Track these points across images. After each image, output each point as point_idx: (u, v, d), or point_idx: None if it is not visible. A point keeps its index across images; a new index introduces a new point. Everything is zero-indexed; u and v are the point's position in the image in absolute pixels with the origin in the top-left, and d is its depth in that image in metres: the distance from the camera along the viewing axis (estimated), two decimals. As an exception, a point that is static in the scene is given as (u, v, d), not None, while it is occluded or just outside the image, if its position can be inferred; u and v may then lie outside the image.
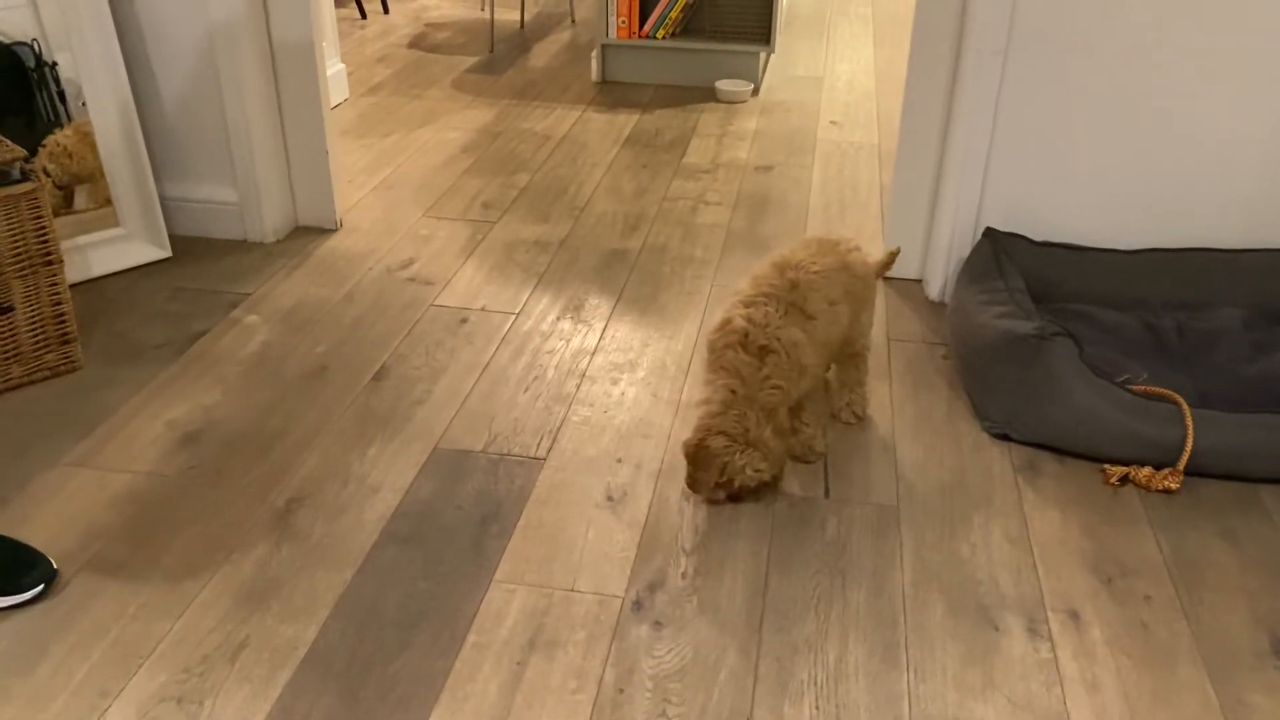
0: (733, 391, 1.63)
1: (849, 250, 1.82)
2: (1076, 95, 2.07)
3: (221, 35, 2.33)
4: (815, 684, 1.36)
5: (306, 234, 2.60)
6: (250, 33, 2.37)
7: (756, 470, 1.62)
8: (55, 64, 2.25)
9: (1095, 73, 2.04)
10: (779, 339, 1.64)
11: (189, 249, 2.49)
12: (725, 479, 1.63)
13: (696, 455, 1.63)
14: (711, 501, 1.68)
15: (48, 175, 2.26)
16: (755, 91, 3.76)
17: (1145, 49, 2.01)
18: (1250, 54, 1.99)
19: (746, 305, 1.69)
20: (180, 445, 1.79)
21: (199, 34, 2.35)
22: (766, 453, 1.63)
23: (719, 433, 1.62)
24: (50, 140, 2.27)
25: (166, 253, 2.44)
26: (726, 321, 1.68)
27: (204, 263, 2.43)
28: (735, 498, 1.68)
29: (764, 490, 1.69)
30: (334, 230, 2.61)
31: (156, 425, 1.84)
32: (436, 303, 2.28)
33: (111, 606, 1.45)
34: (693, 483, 1.66)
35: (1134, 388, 1.78)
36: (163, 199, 2.47)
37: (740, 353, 1.64)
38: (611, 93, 3.73)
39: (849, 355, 1.87)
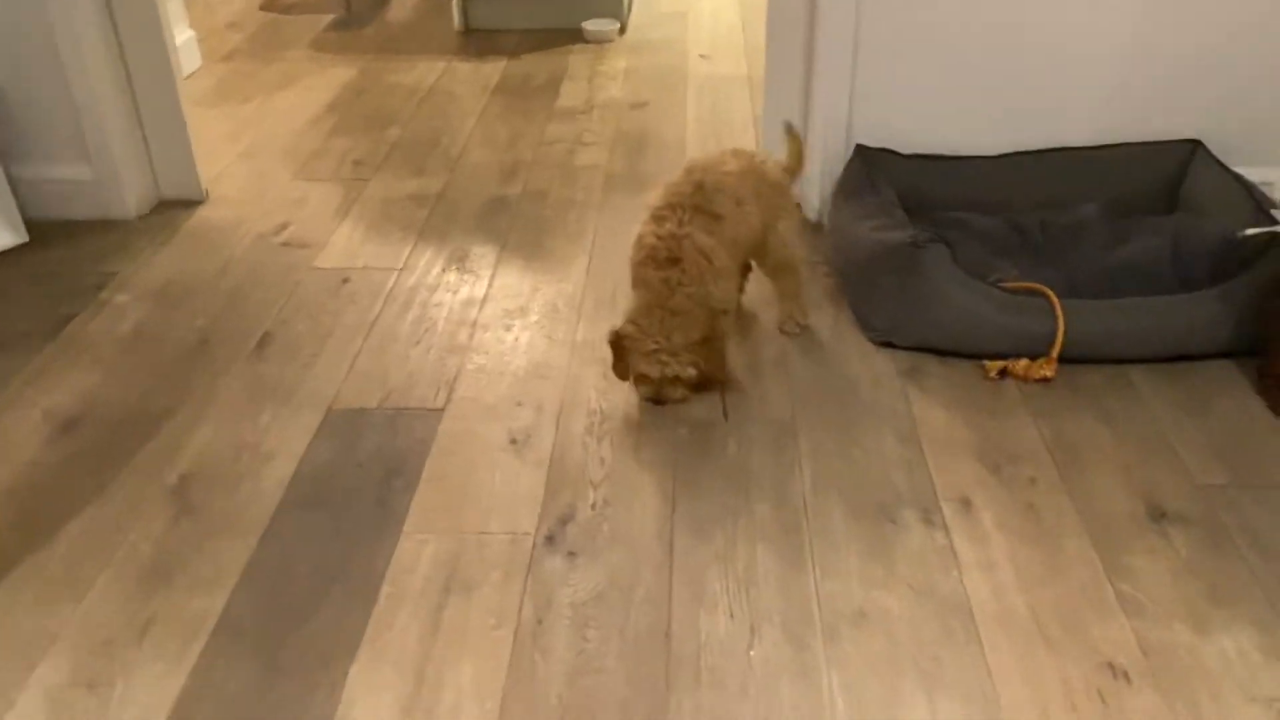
0: (649, 303, 1.71)
1: (762, 160, 1.89)
2: (933, 9, 2.12)
3: (57, 5, 2.21)
4: (728, 593, 1.40)
5: (172, 207, 2.50)
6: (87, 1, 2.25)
7: (678, 367, 1.69)
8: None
9: (948, -16, 2.10)
10: (685, 247, 1.71)
11: (47, 232, 2.37)
12: (644, 374, 1.71)
13: (613, 343, 1.73)
14: (655, 402, 1.75)
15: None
16: (622, 30, 3.74)
17: (993, -43, 2.07)
18: (1090, -44, 2.07)
19: (655, 220, 1.77)
20: (60, 432, 1.72)
21: (32, 5, 2.22)
22: (694, 355, 1.70)
23: (631, 323, 1.70)
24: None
25: (23, 237, 2.32)
26: (639, 239, 1.77)
27: (65, 245, 2.33)
28: (661, 400, 1.75)
29: (707, 388, 1.77)
30: (201, 201, 2.52)
31: (33, 414, 1.77)
32: (315, 265, 2.23)
33: (5, 600, 1.40)
34: (616, 370, 1.76)
35: (1005, 285, 1.85)
36: (14, 181, 2.34)
37: (652, 268, 1.72)
38: (476, 41, 3.67)
39: (776, 266, 1.93)
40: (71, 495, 1.58)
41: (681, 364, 1.70)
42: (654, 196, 1.82)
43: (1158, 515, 1.51)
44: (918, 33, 2.14)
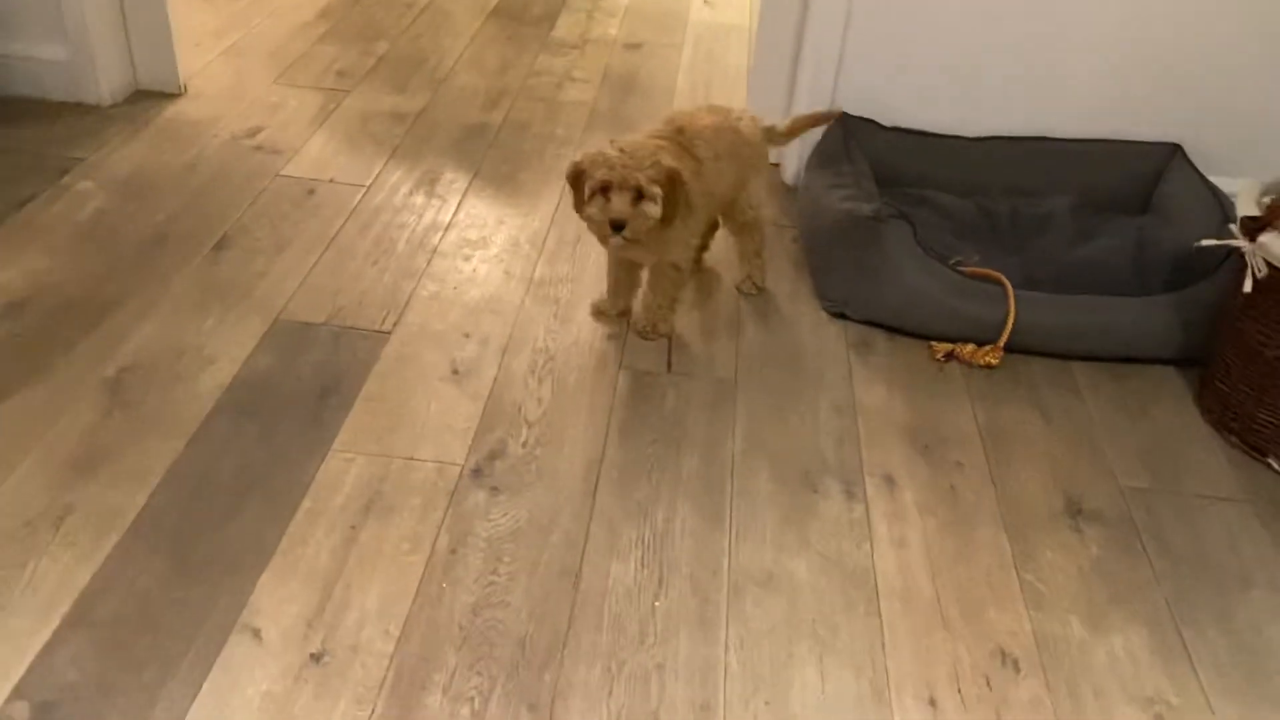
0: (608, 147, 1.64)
1: (739, 117, 1.87)
2: (929, -20, 2.10)
3: (43, -125, 2.16)
4: (643, 543, 1.42)
5: (147, 98, 2.47)
6: (75, -126, 2.20)
7: (640, 178, 1.61)
8: None
9: (948, -42, 2.07)
10: (663, 160, 1.63)
11: (17, 110, 2.34)
12: (600, 183, 1.62)
13: (572, 175, 1.67)
14: (613, 226, 1.63)
15: None
16: (629, -33, 3.67)
17: (996, -64, 2.05)
18: (1093, -54, 2.04)
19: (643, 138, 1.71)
20: (4, 312, 1.72)
21: (17, -127, 2.17)
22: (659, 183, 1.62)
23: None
24: None
25: (-9, 113, 2.29)
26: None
27: (33, 125, 2.30)
28: (616, 224, 1.62)
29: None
30: (178, 95, 2.49)
31: (-22, 293, 1.76)
32: (283, 173, 2.22)
33: (-74, 475, 1.41)
34: (575, 204, 1.69)
35: (964, 269, 1.86)
36: (-15, 54, 2.31)
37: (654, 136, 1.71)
38: (480, -38, 3.60)
39: (743, 225, 1.92)
40: (6, 376, 1.58)
41: (645, 177, 1.60)
42: (638, 134, 1.77)
43: (1074, 511, 1.54)
44: (912, 7, 2.12)
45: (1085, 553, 1.47)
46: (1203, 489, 1.60)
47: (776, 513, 1.49)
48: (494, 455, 1.54)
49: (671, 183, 1.63)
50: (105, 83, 2.39)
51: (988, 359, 1.81)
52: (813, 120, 2.01)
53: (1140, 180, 2.17)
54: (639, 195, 1.61)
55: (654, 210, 1.62)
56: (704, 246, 2.01)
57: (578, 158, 1.67)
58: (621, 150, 1.63)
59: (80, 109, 2.38)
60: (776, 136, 1.96)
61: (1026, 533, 1.50)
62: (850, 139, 2.12)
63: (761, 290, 1.97)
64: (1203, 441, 1.70)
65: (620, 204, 1.61)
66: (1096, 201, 2.14)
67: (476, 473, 1.51)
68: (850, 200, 1.93)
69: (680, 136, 1.76)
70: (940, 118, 2.20)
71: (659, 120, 1.82)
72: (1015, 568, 1.44)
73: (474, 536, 1.40)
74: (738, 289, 1.97)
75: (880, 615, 1.35)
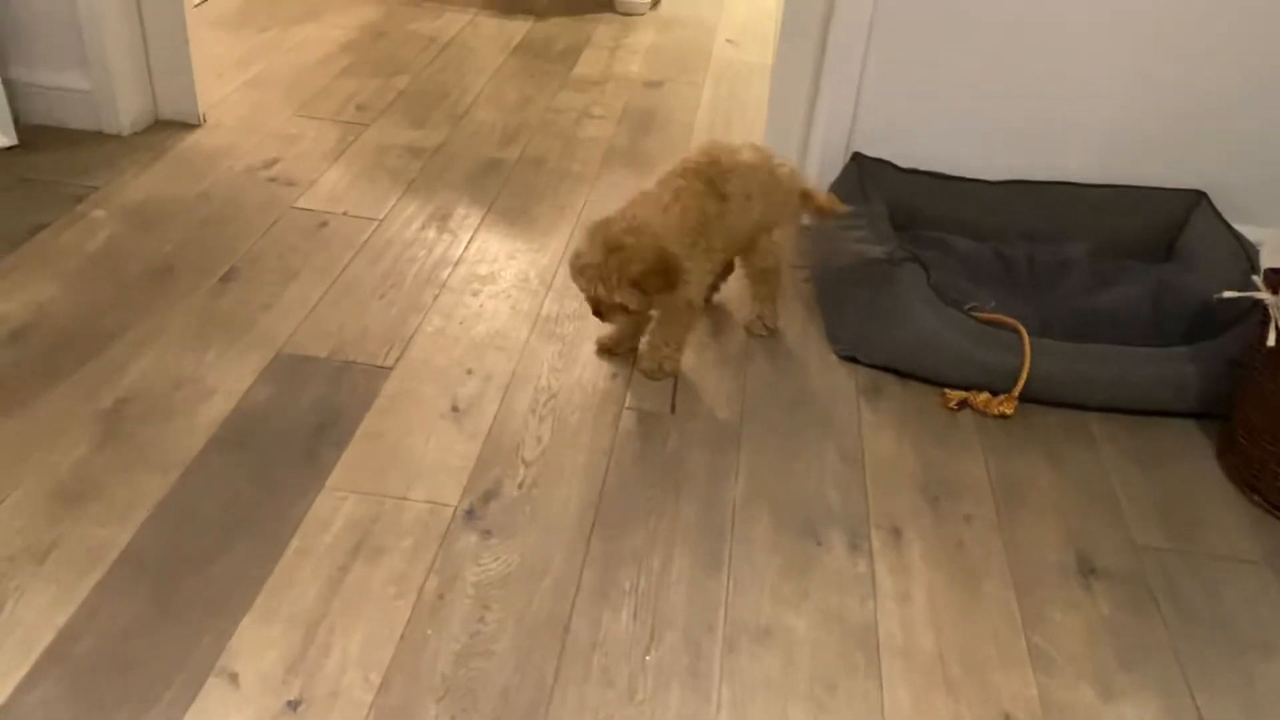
0: (609, 218, 1.68)
1: (780, 163, 1.85)
2: (948, 25, 2.07)
3: (69, -92, 2.19)
4: (636, 592, 1.38)
5: (167, 128, 2.48)
6: (101, -92, 2.22)
7: (604, 291, 1.64)
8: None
9: (967, 5, 2.04)
10: (683, 196, 1.69)
11: (38, 138, 2.36)
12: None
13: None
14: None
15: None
16: (655, 4, 3.69)
17: (1016, -22, 2.02)
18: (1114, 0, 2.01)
19: (659, 181, 1.74)
20: (7, 340, 1.71)
21: (44, -94, 2.20)
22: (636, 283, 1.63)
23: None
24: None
25: (12, 140, 2.31)
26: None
27: (53, 152, 2.31)
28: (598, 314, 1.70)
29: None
30: (197, 125, 2.50)
31: (-18, 320, 1.76)
32: (297, 205, 2.21)
33: (-85, 504, 1.39)
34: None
35: (979, 315, 1.81)
36: (9, 82, 2.33)
37: (640, 194, 1.72)
38: (506, -3, 3.62)
39: (762, 270, 1.88)
40: (4, 405, 1.57)
41: (610, 287, 1.62)
42: (669, 168, 1.78)
43: (1087, 569, 1.48)
44: (930, 48, 2.09)
45: (1096, 613, 1.42)
46: (1222, 549, 1.54)
47: (777, 563, 1.45)
48: (489, 496, 1.51)
49: (663, 264, 1.62)
50: (126, 112, 2.41)
51: (1001, 408, 1.76)
52: (834, 209, 1.94)
53: (1162, 227, 2.12)
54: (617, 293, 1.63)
55: (632, 302, 1.64)
56: (715, 287, 1.99)
57: (575, 251, 1.68)
58: (608, 248, 1.62)
59: (100, 138, 2.40)
60: (808, 200, 1.90)
61: (1036, 590, 1.44)
62: (865, 180, 2.09)
63: (772, 332, 1.93)
64: (1223, 499, 1.64)
65: (598, 306, 1.68)
66: (1116, 248, 2.09)
67: (470, 514, 1.48)
68: (864, 242, 1.89)
69: (713, 169, 1.74)
70: (958, 160, 2.17)
71: (697, 147, 1.80)
72: (1023, 627, 1.39)
73: (463, 581, 1.37)
74: (747, 329, 1.94)
75: (880, 675, 1.30)
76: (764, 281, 1.91)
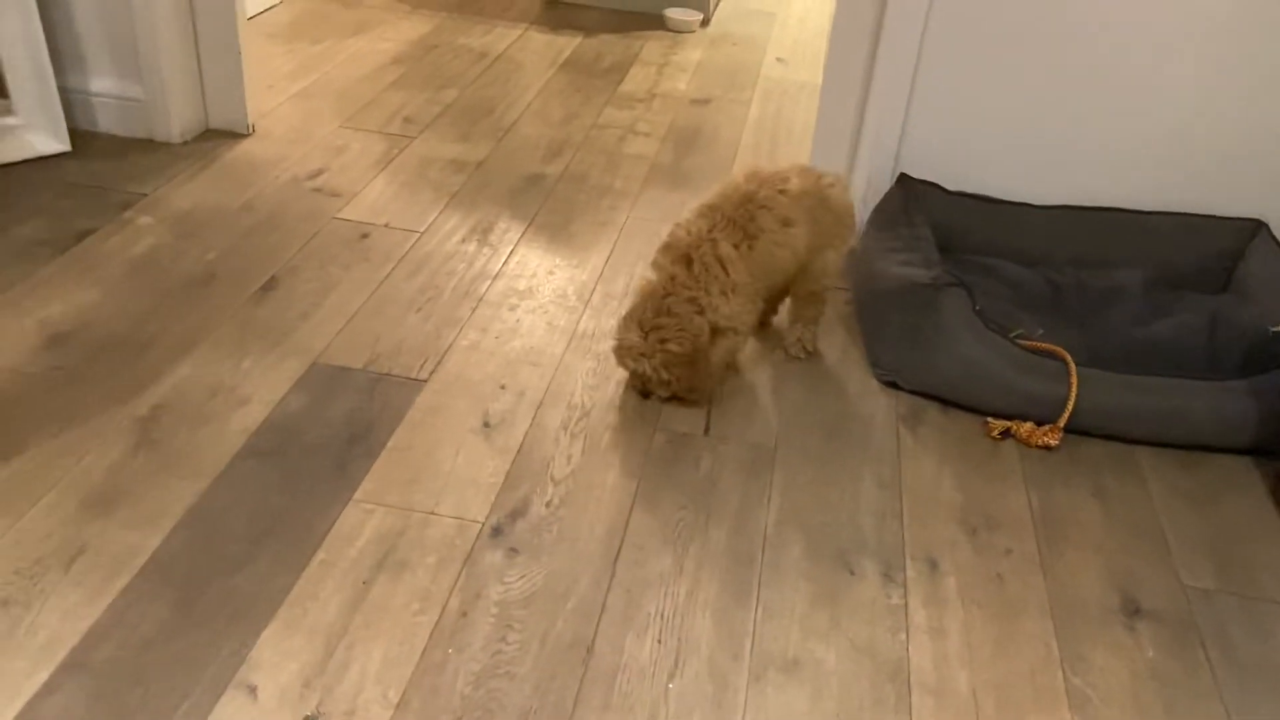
0: (646, 294, 1.69)
1: (830, 184, 1.81)
2: (998, 47, 2.03)
3: (127, -79, 2.23)
4: (662, 617, 1.35)
5: (217, 137, 2.51)
6: (158, -80, 2.26)
7: (649, 369, 1.67)
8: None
9: (1019, 26, 2.00)
10: (704, 251, 1.67)
11: (90, 144, 2.40)
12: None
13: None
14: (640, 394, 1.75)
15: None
16: (705, 22, 3.68)
17: (1071, 7, 1.97)
18: (1172, 22, 1.95)
19: (696, 213, 1.73)
20: (48, 344, 1.73)
21: (103, -82, 2.24)
22: (674, 367, 1.65)
23: (626, 314, 1.72)
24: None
25: (65, 146, 2.35)
26: (674, 226, 1.74)
27: (104, 159, 2.35)
28: (644, 394, 1.75)
29: (687, 401, 1.74)
30: (246, 135, 2.53)
31: (27, 323, 1.78)
32: (339, 216, 2.22)
33: (-50, 504, 1.41)
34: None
35: (1024, 343, 1.77)
36: (64, 90, 2.37)
37: (666, 258, 1.70)
38: (557, 13, 3.63)
39: (810, 293, 1.86)
40: (41, 408, 1.59)
41: (653, 367, 1.66)
42: (709, 193, 1.77)
43: (1131, 610, 1.43)
44: (981, 69, 2.05)
45: (1140, 655, 1.36)
46: (1274, 592, 1.48)
47: (808, 592, 1.41)
48: (516, 514, 1.50)
49: (694, 349, 1.65)
50: (177, 121, 2.44)
51: (1046, 439, 1.71)
52: None
53: (1219, 257, 2.05)
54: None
55: (672, 383, 1.68)
56: (771, 310, 1.95)
57: (615, 341, 1.73)
58: (636, 340, 1.67)
59: (151, 145, 2.43)
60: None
61: (1076, 629, 1.39)
62: (911, 202, 2.05)
63: (811, 355, 1.90)
64: (1277, 540, 1.57)
65: (645, 385, 1.72)
66: (1169, 277, 2.03)
67: (496, 531, 1.46)
68: (908, 265, 1.85)
69: (744, 208, 1.70)
70: (1006, 183, 2.12)
71: (739, 174, 1.78)
72: (1062, 667, 1.34)
73: (486, 600, 1.35)
74: (785, 351, 1.90)
75: (910, 712, 1.26)
76: (808, 303, 1.88)
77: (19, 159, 2.28)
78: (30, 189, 2.19)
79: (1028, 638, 1.37)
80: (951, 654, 1.34)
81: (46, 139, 2.32)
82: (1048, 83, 2.04)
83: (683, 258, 1.68)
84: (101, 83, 2.42)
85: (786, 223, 1.73)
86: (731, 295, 1.69)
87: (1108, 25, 1.98)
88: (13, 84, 2.25)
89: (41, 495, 1.44)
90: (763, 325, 1.96)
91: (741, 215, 1.70)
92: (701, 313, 1.66)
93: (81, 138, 2.40)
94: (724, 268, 1.68)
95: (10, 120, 2.27)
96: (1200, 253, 2.06)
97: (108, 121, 2.45)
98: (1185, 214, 2.07)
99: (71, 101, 2.40)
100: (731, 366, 1.81)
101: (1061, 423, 1.71)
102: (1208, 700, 1.31)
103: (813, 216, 1.76)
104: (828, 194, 1.79)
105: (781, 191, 1.73)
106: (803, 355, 1.90)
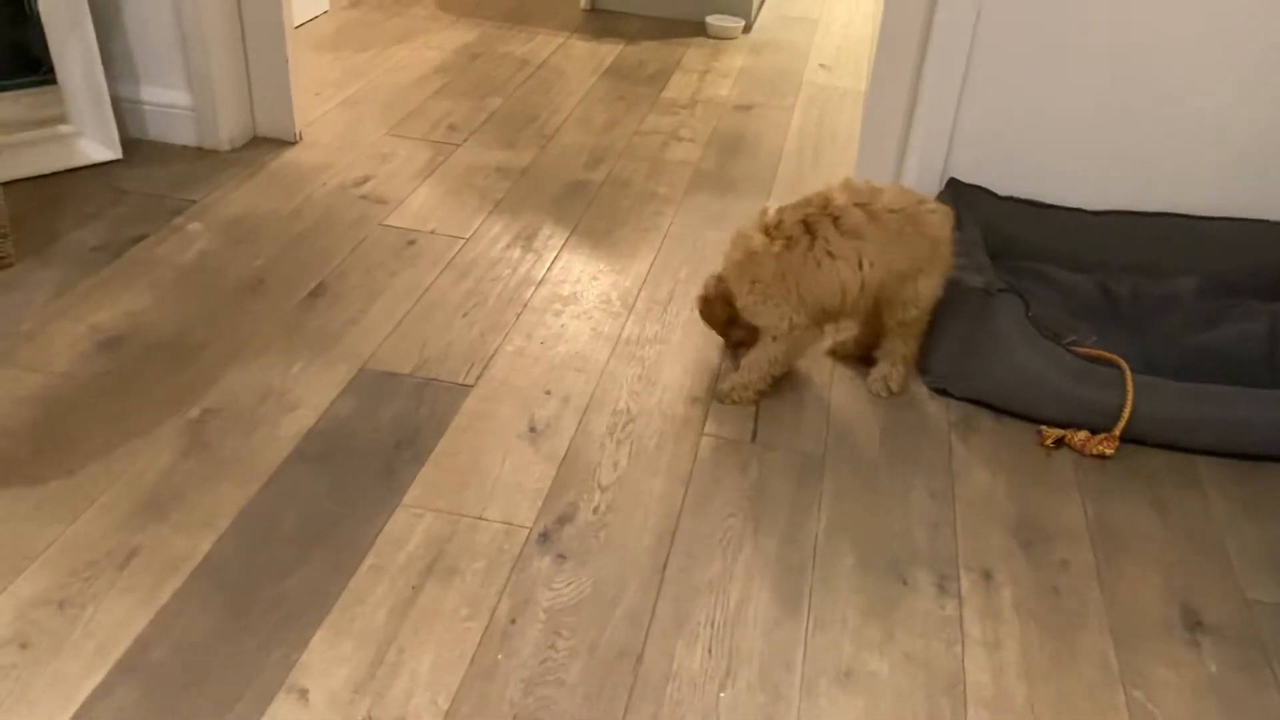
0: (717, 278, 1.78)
1: (932, 210, 1.71)
2: (1051, 50, 2.00)
3: (179, -69, 2.26)
4: (712, 626, 1.34)
5: (264, 145, 2.54)
6: (209, -70, 2.29)
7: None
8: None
9: (1072, 29, 1.97)
10: (743, 238, 1.72)
11: (141, 152, 2.43)
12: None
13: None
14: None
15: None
16: (747, 29, 3.67)
17: (1125, 9, 1.94)
18: (1230, 22, 1.91)
19: (755, 227, 1.73)
20: (100, 349, 1.75)
21: (155, -71, 2.27)
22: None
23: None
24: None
25: (116, 154, 2.38)
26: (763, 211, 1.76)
27: (154, 166, 2.38)
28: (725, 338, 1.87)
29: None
30: (293, 143, 2.55)
31: (79, 328, 1.80)
32: (386, 222, 2.23)
33: (5, 505, 1.42)
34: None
35: (1079, 350, 1.74)
36: (115, 99, 2.40)
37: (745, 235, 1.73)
38: (599, 21, 3.64)
39: (900, 324, 1.76)
40: (94, 413, 1.61)
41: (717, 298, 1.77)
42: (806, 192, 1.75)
43: (1193, 623, 1.39)
44: (1032, 71, 2.02)
45: (1202, 670, 1.33)
46: (1343, 608, 1.43)
47: (860, 603, 1.39)
48: (563, 520, 1.49)
49: (703, 296, 1.82)
50: (225, 129, 2.47)
51: (1101, 448, 1.68)
52: None
53: (1277, 264, 2.00)
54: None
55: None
56: (863, 345, 1.86)
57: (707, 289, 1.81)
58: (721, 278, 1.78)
59: (200, 153, 2.46)
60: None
61: (1136, 643, 1.36)
62: (961, 207, 2.02)
63: (895, 394, 1.80)
64: (1344, 554, 1.53)
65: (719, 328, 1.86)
66: (1227, 284, 1.98)
67: (544, 537, 1.45)
68: (959, 270, 1.83)
69: (816, 208, 1.67)
70: (1058, 188, 2.09)
71: (838, 181, 1.73)
72: (1121, 682, 1.31)
73: (535, 605, 1.34)
74: (869, 387, 1.81)
75: (966, 725, 1.23)
76: (897, 336, 1.77)
77: (72, 166, 2.32)
78: (83, 196, 2.22)
79: (1086, 651, 1.34)
80: (1008, 667, 1.31)
81: (99, 147, 2.35)
82: (1102, 85, 2.01)
83: (745, 248, 1.71)
84: (152, 92, 2.45)
85: (851, 235, 1.64)
86: (752, 287, 1.69)
87: (1163, 30, 1.94)
88: (67, 93, 2.29)
89: (95, 499, 1.45)
90: (860, 358, 1.87)
91: (807, 217, 1.67)
92: (721, 281, 1.76)
93: (133, 145, 2.43)
94: (750, 258, 1.68)
95: (64, 129, 2.31)
96: (1260, 259, 2.01)
97: (158, 129, 2.48)
98: (1244, 220, 2.03)
99: (121, 110, 2.44)
100: (774, 366, 1.75)
101: (1117, 431, 1.68)
102: (1272, 717, 1.27)
103: (897, 238, 1.67)
104: (923, 218, 1.69)
105: (861, 205, 1.66)
106: (884, 394, 1.80)
